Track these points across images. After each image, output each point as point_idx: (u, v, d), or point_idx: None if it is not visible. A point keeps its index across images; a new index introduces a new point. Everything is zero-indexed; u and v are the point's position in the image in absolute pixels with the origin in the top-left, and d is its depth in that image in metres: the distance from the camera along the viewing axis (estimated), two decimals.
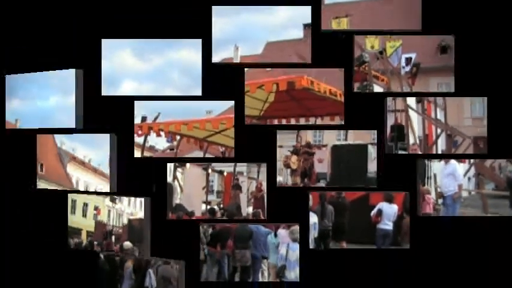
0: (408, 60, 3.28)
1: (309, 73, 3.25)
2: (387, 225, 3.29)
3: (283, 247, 3.32)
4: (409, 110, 3.33)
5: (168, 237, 3.88)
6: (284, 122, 3.25)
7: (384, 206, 3.29)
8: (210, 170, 3.42)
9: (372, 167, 3.29)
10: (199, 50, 3.67)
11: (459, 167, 3.30)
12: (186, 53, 3.67)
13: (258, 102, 3.35)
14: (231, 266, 3.43)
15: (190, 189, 3.50)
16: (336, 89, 3.32)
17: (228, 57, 3.39)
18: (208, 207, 3.50)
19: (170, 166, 3.49)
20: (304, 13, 3.36)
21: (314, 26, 3.43)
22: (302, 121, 3.23)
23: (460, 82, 3.28)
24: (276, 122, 3.26)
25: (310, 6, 3.43)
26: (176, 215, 3.55)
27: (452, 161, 3.27)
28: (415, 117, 3.33)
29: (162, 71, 3.66)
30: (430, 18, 3.39)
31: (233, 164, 3.34)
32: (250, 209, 3.40)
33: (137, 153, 3.69)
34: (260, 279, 3.36)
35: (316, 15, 3.52)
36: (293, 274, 3.35)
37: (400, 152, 3.15)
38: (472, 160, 3.18)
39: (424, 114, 3.30)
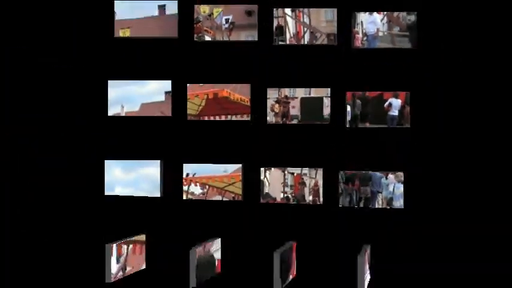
0: (227, 20, 4.54)
1: (228, 87, 4.57)
2: (395, 112, 4.48)
3: (391, 186, 4.51)
4: (287, 16, 4.49)
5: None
6: (212, 118, 4.61)
7: (392, 100, 4.48)
8: (286, 172, 4.60)
9: (326, 111, 4.51)
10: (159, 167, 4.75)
11: (378, 16, 4.44)
12: (151, 169, 4.78)
13: (195, 105, 4.60)
14: (358, 197, 4.57)
15: (274, 184, 4.62)
16: (244, 97, 4.56)
17: (117, 112, 4.69)
18: (285, 195, 4.63)
19: (262, 169, 4.62)
20: (165, 85, 4.59)
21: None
22: (223, 117, 4.59)
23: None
24: (206, 118, 4.61)
25: (170, 80, 4.59)
26: (266, 200, 4.66)
27: (374, 13, 4.44)
28: (290, 21, 4.50)
29: (137, 180, 4.81)
30: None
31: (300, 168, 4.58)
32: (311, 197, 4.57)
33: (184, 197, 4.77)
34: (376, 206, 4.53)
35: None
36: (398, 203, 4.52)
37: (280, 43, 4.50)
38: (385, 12, 4.42)
39: (296, 18, 4.48)
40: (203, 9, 4.53)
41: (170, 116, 4.63)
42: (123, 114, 4.64)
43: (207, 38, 4.53)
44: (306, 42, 4.46)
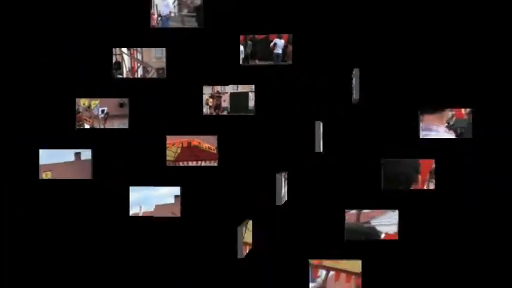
0: (103, 111, 4.99)
1: (198, 138, 4.96)
2: (279, 51, 4.90)
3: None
4: (123, 54, 5.00)
5: None
6: (186, 163, 4.94)
7: (277, 40, 4.89)
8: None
9: (250, 103, 4.94)
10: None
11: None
12: None
13: (173, 152, 4.94)
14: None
15: None
16: (212, 146, 4.96)
17: (136, 212, 4.98)
18: None
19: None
20: (175, 190, 4.92)
21: None
22: (194, 163, 4.96)
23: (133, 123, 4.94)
24: (181, 164, 4.93)
25: (179, 187, 4.92)
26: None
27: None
28: (126, 57, 5.00)
29: None
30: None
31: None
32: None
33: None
34: None
35: None
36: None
37: (118, 76, 4.98)
38: None
39: (131, 55, 5.01)
40: (83, 102, 4.96)
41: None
42: (141, 214, 5.06)
43: (86, 126, 5.01)
44: (139, 76, 5.06)
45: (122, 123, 4.99)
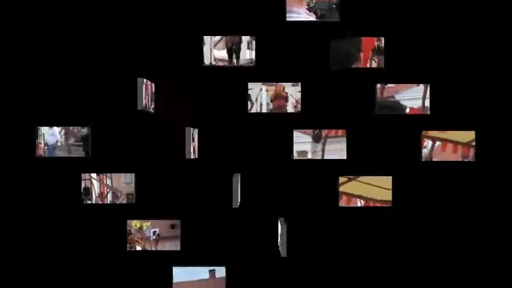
0: (154, 232, 5.01)
1: None
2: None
3: None
4: (92, 179, 5.03)
5: None
6: None
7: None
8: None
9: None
10: None
11: (57, 129, 4.94)
12: None
13: None
14: None
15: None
16: None
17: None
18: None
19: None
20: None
21: None
22: None
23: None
24: None
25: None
26: None
27: (54, 127, 4.92)
28: (95, 182, 5.00)
29: None
30: None
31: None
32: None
33: None
34: None
35: None
36: None
37: (88, 202, 4.96)
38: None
39: (100, 181, 5.02)
40: (135, 224, 5.08)
41: None
42: None
43: (138, 248, 5.11)
44: (109, 202, 5.06)
45: (174, 245, 5.08)
